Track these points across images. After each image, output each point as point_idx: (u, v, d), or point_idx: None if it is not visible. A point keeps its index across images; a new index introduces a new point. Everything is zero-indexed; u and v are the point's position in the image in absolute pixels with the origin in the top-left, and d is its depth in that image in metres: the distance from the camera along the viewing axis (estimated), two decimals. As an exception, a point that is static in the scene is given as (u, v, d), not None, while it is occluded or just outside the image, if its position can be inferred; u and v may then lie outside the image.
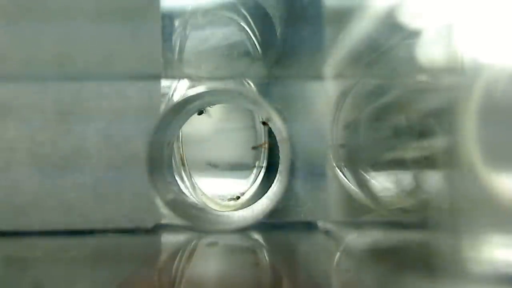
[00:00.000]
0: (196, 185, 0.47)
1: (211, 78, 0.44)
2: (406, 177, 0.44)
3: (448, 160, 0.39)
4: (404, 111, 0.41)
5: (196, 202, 0.45)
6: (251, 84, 0.46)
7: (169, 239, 0.44)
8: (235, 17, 0.47)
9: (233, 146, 0.49)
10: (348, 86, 0.45)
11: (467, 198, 0.40)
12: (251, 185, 0.49)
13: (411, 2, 0.42)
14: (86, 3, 0.44)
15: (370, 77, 0.44)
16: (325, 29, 0.46)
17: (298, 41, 0.46)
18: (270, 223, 0.43)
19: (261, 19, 0.46)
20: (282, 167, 0.43)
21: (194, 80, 0.44)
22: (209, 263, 0.40)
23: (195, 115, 0.46)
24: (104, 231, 0.43)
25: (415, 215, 0.40)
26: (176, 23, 0.46)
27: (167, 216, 0.43)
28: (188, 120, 0.45)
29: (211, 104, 0.46)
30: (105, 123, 0.44)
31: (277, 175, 0.44)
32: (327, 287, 0.37)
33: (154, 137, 0.42)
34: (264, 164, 0.48)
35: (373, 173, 0.45)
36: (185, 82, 0.45)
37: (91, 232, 0.43)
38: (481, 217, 0.39)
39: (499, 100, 0.38)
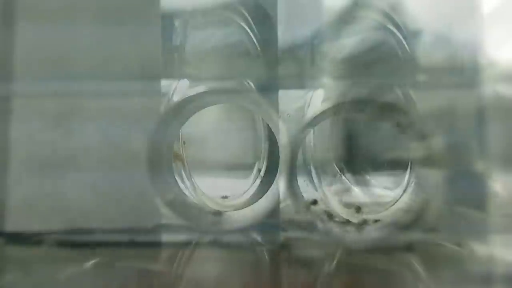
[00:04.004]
0: (196, 185, 0.47)
1: (211, 78, 0.44)
2: (406, 177, 0.44)
3: (448, 160, 0.39)
4: (405, 111, 0.41)
5: (196, 202, 0.45)
6: (251, 84, 0.46)
7: (169, 239, 0.44)
8: (235, 17, 0.46)
9: (233, 146, 0.49)
10: (348, 86, 0.45)
11: (467, 198, 0.40)
12: (251, 185, 0.49)
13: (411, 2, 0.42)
14: (87, 3, 0.44)
15: (370, 77, 0.44)
16: (325, 29, 0.46)
17: (297, 41, 0.46)
18: (270, 223, 0.43)
19: (261, 19, 0.46)
20: (282, 167, 0.43)
21: (194, 80, 0.44)
22: (209, 263, 0.40)
23: (195, 115, 0.46)
24: (104, 231, 0.43)
25: (415, 215, 0.40)
26: (176, 23, 0.46)
27: (167, 216, 0.43)
28: (188, 120, 0.45)
29: (211, 104, 0.46)
30: (105, 123, 0.44)
31: (277, 175, 0.44)
32: (326, 287, 0.37)
33: (154, 137, 0.42)
34: (264, 164, 0.48)
35: (373, 173, 0.45)
36: (185, 82, 0.45)
37: (91, 232, 0.43)
38: (482, 217, 0.39)
39: (501, 100, 0.38)
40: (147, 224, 0.44)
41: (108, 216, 0.43)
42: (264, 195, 0.45)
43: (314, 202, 0.43)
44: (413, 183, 0.43)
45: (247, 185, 0.49)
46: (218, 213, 0.44)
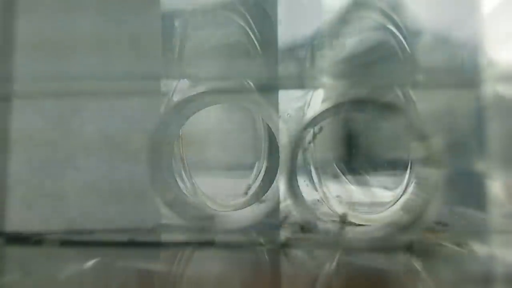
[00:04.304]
0: (196, 185, 0.47)
1: (211, 78, 0.44)
2: (406, 177, 0.44)
3: (448, 160, 0.39)
4: (405, 111, 0.41)
5: (196, 202, 0.45)
6: (251, 84, 0.46)
7: (169, 239, 0.44)
8: (235, 17, 0.46)
9: (233, 146, 0.49)
10: (348, 86, 0.45)
11: (467, 198, 0.40)
12: (251, 185, 0.49)
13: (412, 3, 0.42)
14: (87, 3, 0.44)
15: (370, 77, 0.44)
16: (325, 29, 0.46)
17: (297, 41, 0.46)
18: (270, 223, 0.43)
19: (261, 19, 0.46)
20: (282, 167, 0.43)
21: (194, 80, 0.44)
22: (209, 263, 0.40)
23: (195, 115, 0.46)
24: (104, 231, 0.43)
25: (415, 215, 0.40)
26: (176, 23, 0.46)
27: (167, 216, 0.43)
28: (188, 120, 0.45)
29: (211, 104, 0.46)
30: (105, 123, 0.44)
31: (277, 175, 0.44)
32: (326, 286, 0.37)
33: (154, 137, 0.42)
34: (264, 164, 0.48)
35: (373, 173, 0.45)
36: (185, 82, 0.45)
37: (91, 232, 0.43)
38: (482, 217, 0.39)
39: (501, 100, 0.38)
40: (147, 224, 0.43)
41: (108, 216, 0.43)
42: (264, 195, 0.45)
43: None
44: (413, 183, 0.43)
45: (247, 185, 0.49)
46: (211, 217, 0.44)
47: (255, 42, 0.46)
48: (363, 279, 0.37)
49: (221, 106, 0.48)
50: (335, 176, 0.47)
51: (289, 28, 0.45)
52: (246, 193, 0.48)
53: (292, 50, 0.45)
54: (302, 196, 0.43)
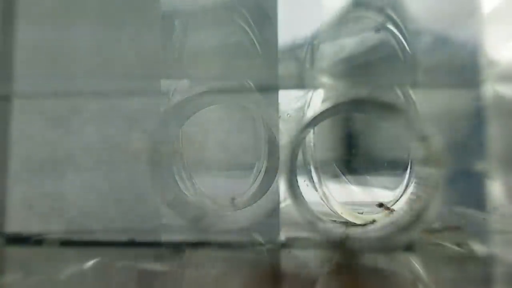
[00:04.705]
0: (196, 185, 0.47)
1: (211, 78, 0.44)
2: (406, 177, 0.44)
3: (448, 160, 0.39)
4: (405, 111, 0.41)
5: (196, 202, 0.45)
6: (251, 84, 0.46)
7: (169, 239, 0.44)
8: (235, 17, 0.46)
9: (233, 146, 0.49)
10: (348, 86, 0.45)
11: (467, 198, 0.40)
12: (251, 185, 0.49)
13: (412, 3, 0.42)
14: (87, 3, 0.44)
15: (370, 77, 0.44)
16: (325, 29, 0.46)
17: (297, 41, 0.46)
18: (270, 223, 0.43)
19: (261, 19, 0.46)
20: (282, 167, 0.43)
21: (194, 80, 0.44)
22: (209, 263, 0.40)
23: (195, 115, 0.46)
24: (104, 231, 0.43)
25: (415, 215, 0.40)
26: (176, 23, 0.46)
27: (167, 216, 0.43)
28: (188, 120, 0.45)
29: (211, 104, 0.46)
30: (105, 123, 0.44)
31: (277, 175, 0.44)
32: (326, 286, 0.37)
33: (154, 137, 0.42)
34: (264, 164, 0.48)
35: (373, 173, 0.45)
36: (185, 82, 0.45)
37: (91, 232, 0.43)
38: (482, 217, 0.39)
39: (501, 100, 0.38)
40: (147, 224, 0.44)
41: (108, 216, 0.43)
42: (264, 195, 0.45)
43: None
44: (413, 183, 0.43)
45: (247, 185, 0.49)
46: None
47: (255, 42, 0.46)
48: (363, 279, 0.37)
49: (221, 106, 0.48)
50: (335, 176, 0.47)
51: (289, 28, 0.45)
52: (246, 193, 0.48)
53: (292, 50, 0.45)
54: (302, 196, 0.43)
